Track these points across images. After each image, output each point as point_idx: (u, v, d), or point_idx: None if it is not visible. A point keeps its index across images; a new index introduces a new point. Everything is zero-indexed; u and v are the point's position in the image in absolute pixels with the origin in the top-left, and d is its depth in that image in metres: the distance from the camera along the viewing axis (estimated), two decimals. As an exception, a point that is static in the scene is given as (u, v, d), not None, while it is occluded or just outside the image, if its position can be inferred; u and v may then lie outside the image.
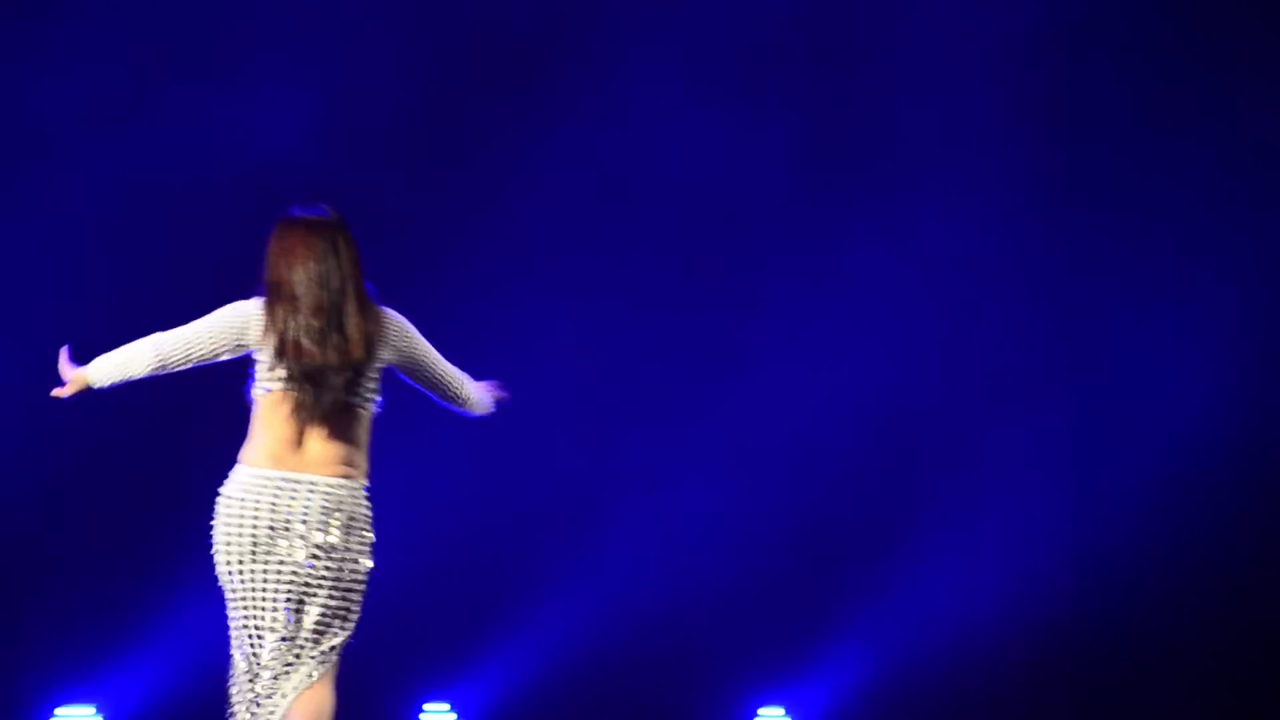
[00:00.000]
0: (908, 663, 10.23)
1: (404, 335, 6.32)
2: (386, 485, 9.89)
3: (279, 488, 6.18)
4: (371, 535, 6.28)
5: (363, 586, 6.25)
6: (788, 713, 10.23)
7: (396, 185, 10.11)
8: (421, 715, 10.09)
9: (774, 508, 10.26)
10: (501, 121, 10.23)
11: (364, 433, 6.27)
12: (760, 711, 10.25)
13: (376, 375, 6.27)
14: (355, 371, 6.19)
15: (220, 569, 6.20)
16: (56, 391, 6.29)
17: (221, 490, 6.22)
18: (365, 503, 6.28)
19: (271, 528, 6.15)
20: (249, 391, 6.25)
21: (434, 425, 9.76)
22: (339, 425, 6.22)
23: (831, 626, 10.25)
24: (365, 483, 6.28)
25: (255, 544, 6.16)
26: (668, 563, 10.21)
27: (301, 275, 6.17)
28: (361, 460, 6.27)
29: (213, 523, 6.22)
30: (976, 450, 10.38)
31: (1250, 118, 10.36)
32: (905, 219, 10.38)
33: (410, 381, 6.40)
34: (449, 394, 6.48)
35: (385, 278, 9.59)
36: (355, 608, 6.26)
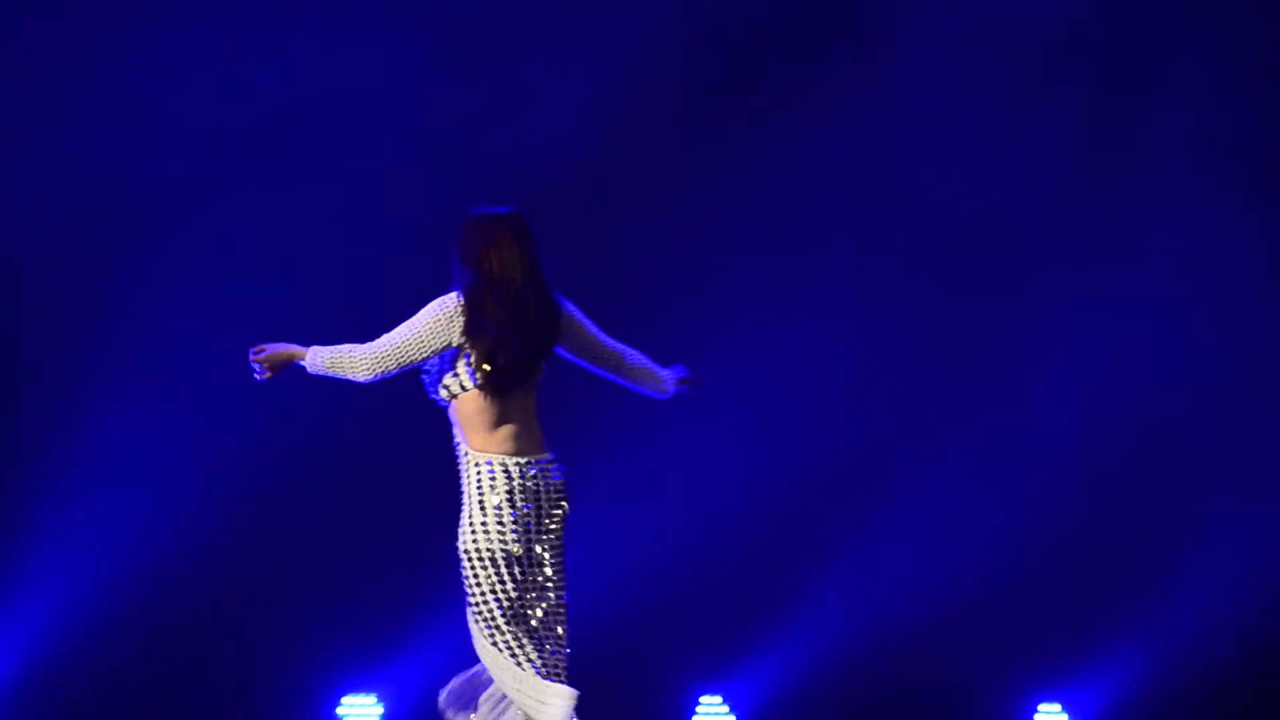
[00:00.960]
0: (1186, 665, 10.06)
1: (577, 321, 6.60)
2: (665, 475, 10.02)
3: (526, 472, 6.48)
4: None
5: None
6: (1064, 710, 10.11)
7: (657, 177, 10.16)
8: (697, 709, 10.13)
9: (1037, 510, 10.16)
10: (764, 120, 10.22)
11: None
12: (1040, 708, 10.13)
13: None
14: (545, 358, 6.55)
15: (496, 552, 6.39)
16: (258, 357, 6.54)
17: (482, 481, 6.35)
18: None
19: (538, 510, 6.47)
20: (445, 384, 6.53)
21: (710, 419, 9.84)
22: (530, 408, 6.58)
23: (1109, 627, 10.12)
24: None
25: (528, 529, 6.47)
26: (930, 563, 10.16)
27: (496, 270, 6.45)
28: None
29: (477, 515, 6.40)
30: (1257, 454, 10.18)
31: None
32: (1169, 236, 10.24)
33: (581, 361, 6.67)
34: (619, 367, 6.70)
35: (638, 267, 9.63)
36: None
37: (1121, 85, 10.25)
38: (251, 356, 6.59)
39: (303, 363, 6.58)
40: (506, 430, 6.53)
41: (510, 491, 6.49)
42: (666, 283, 10.16)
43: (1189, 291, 10.24)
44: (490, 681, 6.60)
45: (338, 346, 6.59)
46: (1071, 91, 10.25)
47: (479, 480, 6.51)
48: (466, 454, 6.55)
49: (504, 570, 6.46)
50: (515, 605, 6.47)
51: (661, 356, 6.82)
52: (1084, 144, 10.28)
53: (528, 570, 6.48)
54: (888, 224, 10.27)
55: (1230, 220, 10.24)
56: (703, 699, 10.16)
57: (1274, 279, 10.21)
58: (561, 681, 6.46)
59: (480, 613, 6.48)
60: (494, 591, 6.45)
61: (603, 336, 6.67)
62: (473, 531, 6.50)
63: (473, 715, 6.65)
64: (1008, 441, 10.20)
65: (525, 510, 6.48)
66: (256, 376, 6.64)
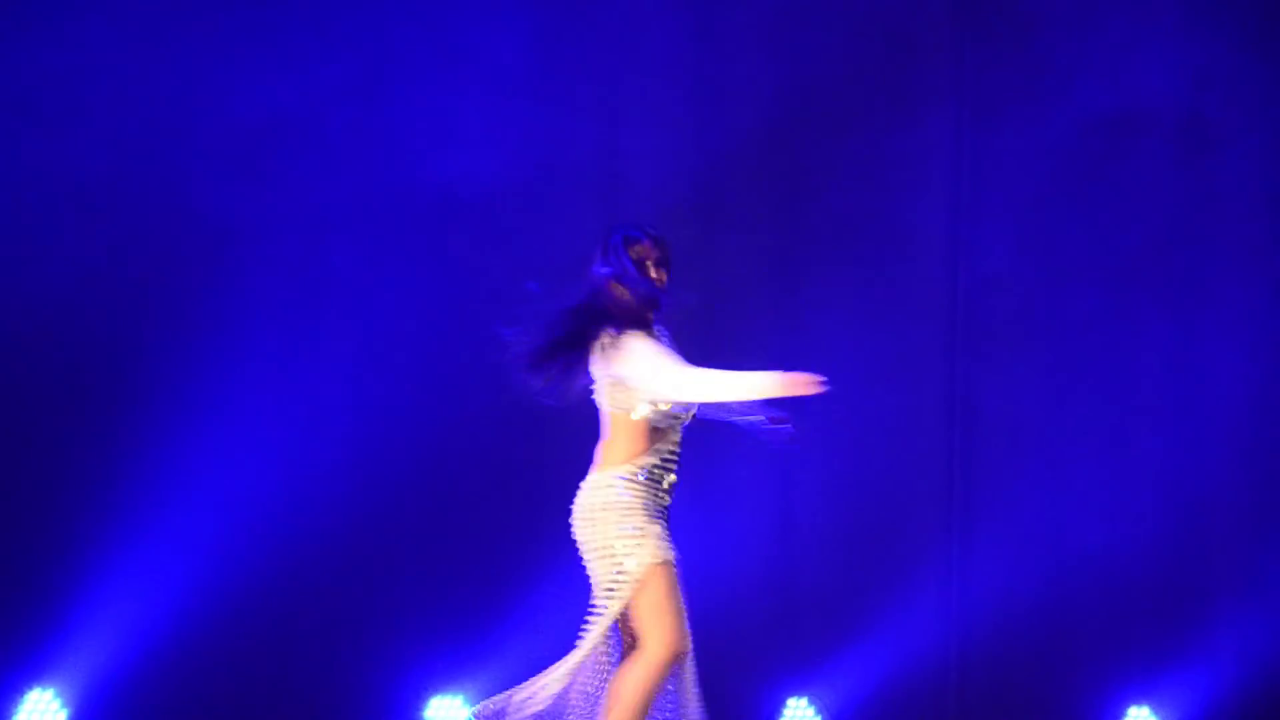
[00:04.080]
0: (1276, 670, 9.99)
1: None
2: (754, 477, 10.01)
3: None
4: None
5: None
6: (1154, 712, 10.05)
7: (756, 194, 10.18)
8: (784, 711, 10.13)
9: (1131, 516, 10.11)
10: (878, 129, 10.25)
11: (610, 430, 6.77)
12: (1130, 711, 10.08)
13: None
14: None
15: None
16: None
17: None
18: None
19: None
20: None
21: (800, 420, 9.83)
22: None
23: (1199, 630, 10.05)
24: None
25: None
26: (1016, 567, 10.12)
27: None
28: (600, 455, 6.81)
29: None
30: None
31: None
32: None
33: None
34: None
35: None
36: None
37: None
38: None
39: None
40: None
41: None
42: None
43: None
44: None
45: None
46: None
47: None
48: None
49: None
50: None
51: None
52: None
53: None
54: (977, 235, 10.25)
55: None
56: (789, 701, 10.16)
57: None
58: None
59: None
60: None
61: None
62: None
63: None
64: (1102, 449, 10.15)
65: None
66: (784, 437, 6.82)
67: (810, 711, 10.09)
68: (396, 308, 9.96)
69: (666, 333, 6.83)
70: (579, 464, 9.99)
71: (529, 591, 9.88)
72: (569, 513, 9.94)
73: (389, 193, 9.95)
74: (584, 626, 6.71)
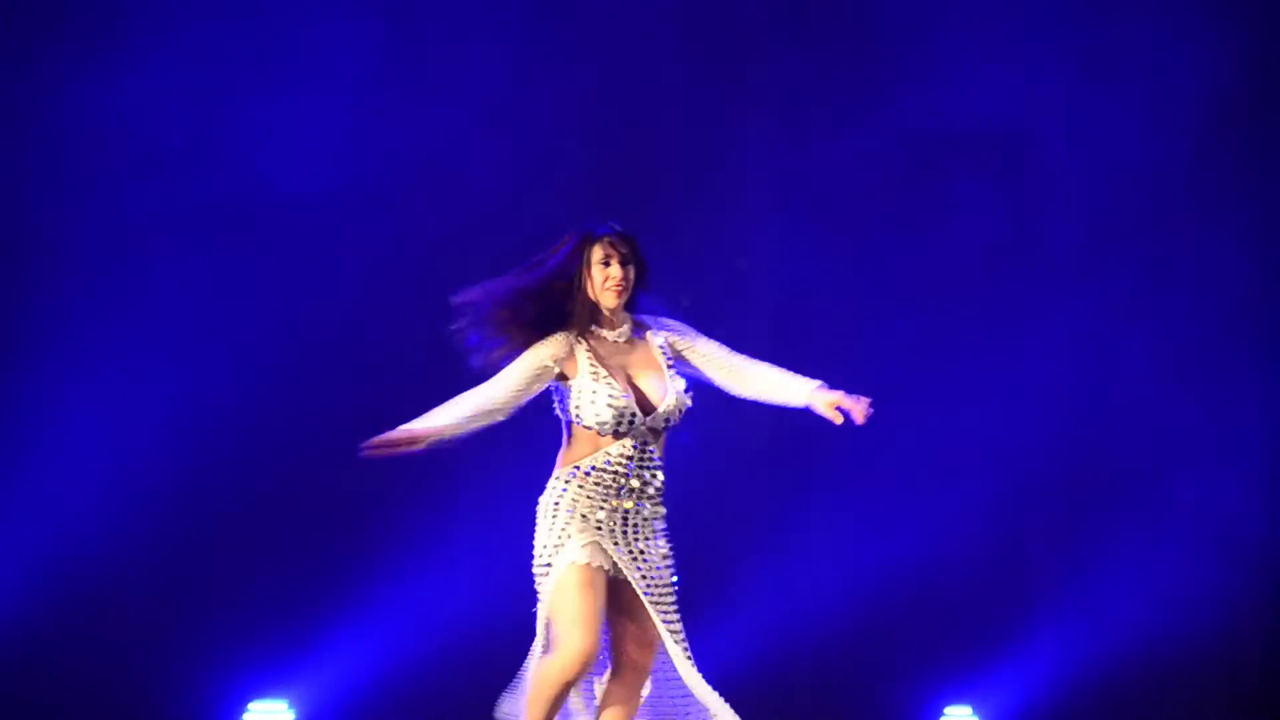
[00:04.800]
0: (1092, 668, 10.13)
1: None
2: (910, 482, 10.05)
3: None
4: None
5: None
6: (975, 711, 10.16)
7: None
8: (942, 719, 10.18)
9: (958, 506, 10.21)
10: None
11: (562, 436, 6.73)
12: (947, 710, 10.17)
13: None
14: None
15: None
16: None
17: None
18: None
19: None
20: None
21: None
22: None
23: (1021, 626, 10.17)
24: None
25: None
26: (850, 564, 10.19)
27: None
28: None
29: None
30: (1170, 447, 10.28)
31: None
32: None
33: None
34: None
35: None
36: None
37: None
38: None
39: None
40: None
41: None
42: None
43: (1107, 305, 10.34)
44: None
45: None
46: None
47: None
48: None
49: None
50: None
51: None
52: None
53: None
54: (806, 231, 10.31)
55: (1147, 237, 10.36)
56: (948, 709, 10.16)
57: (1195, 298, 10.32)
58: None
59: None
60: None
61: None
62: None
63: None
64: (923, 456, 10.24)
65: None
66: None
67: None
68: (224, 307, 9.87)
69: (667, 324, 6.78)
70: (402, 466, 9.95)
71: (352, 595, 9.81)
72: (393, 514, 9.84)
73: (220, 197, 9.86)
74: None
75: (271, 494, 9.83)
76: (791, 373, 6.78)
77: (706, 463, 10.06)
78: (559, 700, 6.40)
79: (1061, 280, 10.36)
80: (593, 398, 6.52)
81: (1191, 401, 10.33)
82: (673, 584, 6.55)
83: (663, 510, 6.62)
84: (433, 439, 6.55)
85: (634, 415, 6.53)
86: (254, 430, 9.80)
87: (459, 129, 10.09)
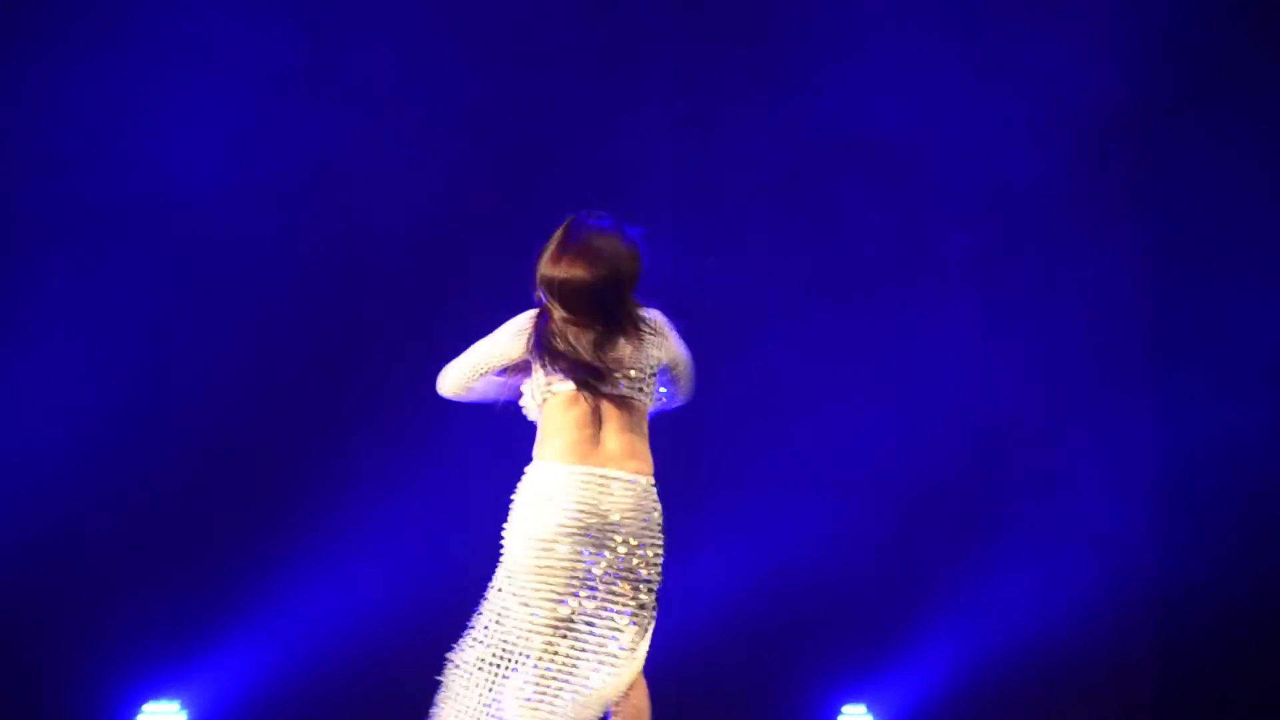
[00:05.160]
0: (988, 665, 10.19)
1: (666, 334, 6.62)
2: (801, 482, 9.99)
3: (584, 482, 6.35)
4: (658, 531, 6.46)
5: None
6: (870, 710, 10.19)
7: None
8: (839, 718, 10.16)
9: (855, 505, 10.24)
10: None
11: (645, 428, 6.51)
12: (844, 709, 10.21)
13: (652, 372, 6.53)
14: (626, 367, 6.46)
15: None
16: None
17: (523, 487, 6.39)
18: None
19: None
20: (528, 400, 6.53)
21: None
22: (622, 421, 6.42)
23: (915, 627, 10.22)
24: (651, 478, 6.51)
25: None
26: (743, 565, 10.21)
27: (563, 277, 6.46)
28: (646, 454, 6.49)
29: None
30: (1067, 452, 10.35)
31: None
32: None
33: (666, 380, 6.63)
34: (684, 390, 6.72)
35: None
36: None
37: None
38: None
39: None
40: None
41: None
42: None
43: (998, 312, 10.40)
44: None
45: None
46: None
47: None
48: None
49: None
50: None
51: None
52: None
53: None
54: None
55: (1030, 230, 10.41)
56: (845, 708, 10.16)
57: (1086, 308, 10.38)
58: None
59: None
60: None
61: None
62: None
63: None
64: (817, 458, 10.27)
65: None
66: None
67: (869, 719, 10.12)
68: (115, 307, 9.80)
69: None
70: (291, 463, 9.92)
71: (245, 595, 9.76)
72: (285, 514, 9.79)
73: (116, 198, 9.79)
74: None
75: (162, 494, 9.78)
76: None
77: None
78: None
79: (953, 288, 10.39)
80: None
81: (1082, 405, 10.40)
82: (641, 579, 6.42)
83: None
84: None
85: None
86: (142, 429, 9.74)
87: (358, 128, 10.05)
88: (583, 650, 6.30)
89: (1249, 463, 10.21)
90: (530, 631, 6.35)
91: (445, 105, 10.13)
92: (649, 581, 6.37)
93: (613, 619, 6.32)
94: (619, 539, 6.34)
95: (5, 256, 9.74)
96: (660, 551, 6.41)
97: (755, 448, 10.21)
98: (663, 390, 6.66)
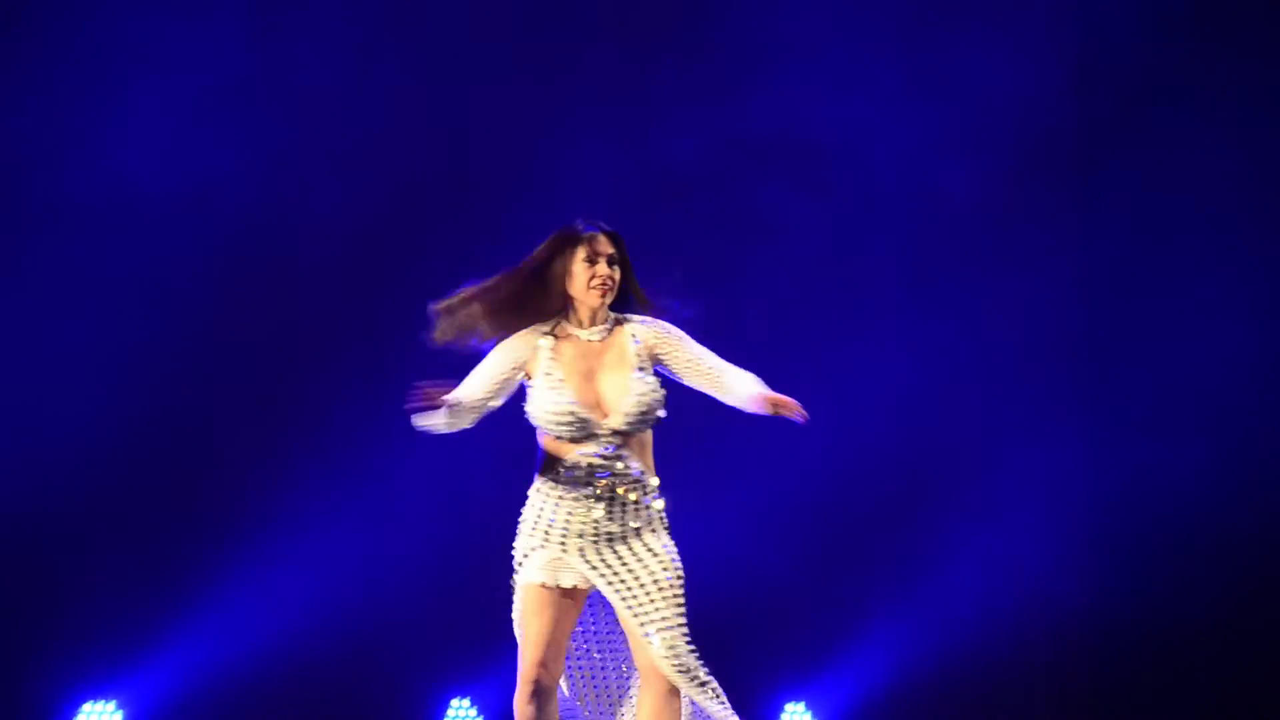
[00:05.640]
0: (928, 662, 10.23)
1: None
2: (735, 479, 10.03)
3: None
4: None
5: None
6: (808, 708, 10.22)
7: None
8: (781, 717, 10.16)
9: (796, 508, 10.26)
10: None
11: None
12: (786, 707, 10.23)
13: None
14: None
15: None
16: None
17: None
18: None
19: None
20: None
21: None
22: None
23: (856, 624, 10.25)
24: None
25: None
26: (695, 568, 10.21)
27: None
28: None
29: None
30: (999, 452, 10.38)
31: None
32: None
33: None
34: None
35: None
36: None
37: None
38: None
39: None
40: None
41: None
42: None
43: (932, 316, 10.44)
44: None
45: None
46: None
47: None
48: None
49: None
50: None
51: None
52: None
53: None
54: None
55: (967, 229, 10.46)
56: (787, 706, 10.17)
57: (1024, 318, 10.43)
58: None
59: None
60: None
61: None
62: None
63: None
64: (757, 458, 10.28)
65: None
66: None
67: (808, 716, 10.11)
68: (61, 305, 9.79)
69: (658, 326, 6.62)
70: (233, 463, 9.91)
71: (183, 596, 9.74)
72: (224, 513, 9.76)
73: (68, 196, 9.78)
74: None
75: (101, 493, 9.76)
76: (752, 376, 6.61)
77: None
78: (535, 713, 6.33)
79: (888, 292, 10.42)
80: (542, 402, 6.36)
81: (1016, 404, 10.44)
82: (671, 579, 6.43)
83: (659, 505, 6.47)
84: (445, 408, 6.31)
85: (585, 420, 6.37)
86: (78, 433, 9.72)
87: (303, 129, 10.04)
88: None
89: (1175, 489, 10.30)
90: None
91: (393, 110, 10.14)
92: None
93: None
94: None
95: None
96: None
97: (691, 449, 10.23)
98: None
